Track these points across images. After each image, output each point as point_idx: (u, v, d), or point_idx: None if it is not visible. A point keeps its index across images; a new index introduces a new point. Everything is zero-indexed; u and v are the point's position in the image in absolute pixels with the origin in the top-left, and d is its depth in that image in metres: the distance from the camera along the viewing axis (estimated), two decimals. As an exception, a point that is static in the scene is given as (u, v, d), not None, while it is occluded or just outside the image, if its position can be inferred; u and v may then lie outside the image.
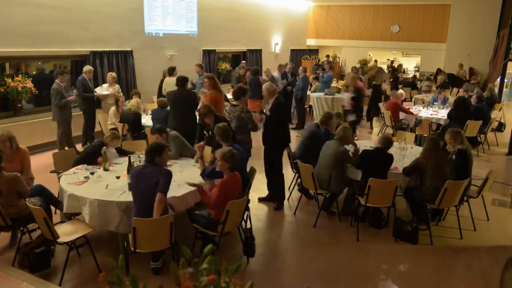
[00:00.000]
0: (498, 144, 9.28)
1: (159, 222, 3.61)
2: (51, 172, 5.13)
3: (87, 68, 8.02)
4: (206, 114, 5.27)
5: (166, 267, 3.94)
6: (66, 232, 3.91)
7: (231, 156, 3.99)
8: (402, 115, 8.89)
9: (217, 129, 4.61)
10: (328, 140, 5.42)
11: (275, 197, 5.65)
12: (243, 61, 12.01)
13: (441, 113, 8.94)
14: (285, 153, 5.68)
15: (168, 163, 5.02)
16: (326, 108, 9.93)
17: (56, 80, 7.29)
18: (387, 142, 4.94)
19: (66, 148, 7.46)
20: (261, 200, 5.75)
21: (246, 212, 4.59)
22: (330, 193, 5.16)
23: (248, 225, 4.73)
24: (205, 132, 5.73)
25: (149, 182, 3.74)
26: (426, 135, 8.04)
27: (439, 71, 14.43)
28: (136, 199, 3.81)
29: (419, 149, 6.16)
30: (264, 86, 5.70)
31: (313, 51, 18.87)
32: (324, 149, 5.20)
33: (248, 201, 4.49)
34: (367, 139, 8.52)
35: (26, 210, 3.98)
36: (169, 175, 3.83)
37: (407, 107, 9.19)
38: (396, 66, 16.73)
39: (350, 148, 5.34)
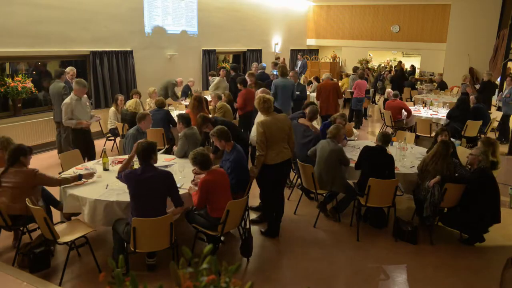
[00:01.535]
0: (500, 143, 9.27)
1: (159, 222, 3.60)
2: (59, 174, 5.04)
3: (68, 68, 7.58)
4: (203, 125, 5.12)
5: (163, 264, 3.94)
6: (66, 232, 3.91)
7: (193, 159, 4.00)
8: (403, 115, 8.89)
9: (215, 131, 4.49)
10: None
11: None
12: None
13: (441, 113, 8.95)
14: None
15: (169, 163, 5.04)
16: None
17: (67, 79, 7.28)
18: (385, 137, 4.93)
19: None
20: (252, 208, 5.21)
21: (246, 212, 4.58)
22: (330, 193, 5.16)
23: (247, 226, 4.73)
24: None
25: (162, 186, 3.69)
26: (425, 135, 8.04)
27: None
28: (140, 203, 3.65)
29: (419, 149, 6.17)
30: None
31: (313, 51, 18.88)
32: (319, 149, 5.15)
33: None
34: (366, 139, 8.51)
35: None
36: (174, 180, 3.83)
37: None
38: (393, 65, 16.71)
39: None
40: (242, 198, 4.11)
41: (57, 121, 7.31)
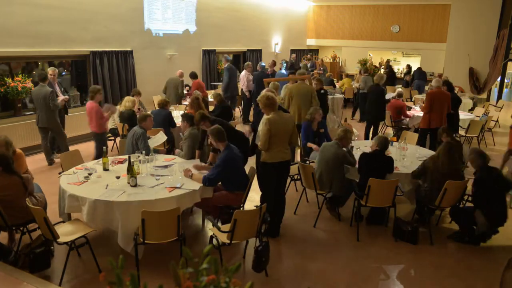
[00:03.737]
0: (498, 143, 9.29)
1: (167, 215, 3.66)
2: (59, 174, 5.01)
3: (50, 69, 7.28)
4: (200, 121, 5.16)
5: (164, 264, 3.93)
6: (66, 232, 3.91)
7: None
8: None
9: (211, 131, 4.50)
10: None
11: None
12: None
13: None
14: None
15: (169, 163, 5.04)
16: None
17: (51, 83, 7.04)
18: (383, 142, 4.92)
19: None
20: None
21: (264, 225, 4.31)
22: (334, 195, 5.15)
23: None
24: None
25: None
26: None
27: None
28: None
29: (419, 149, 6.17)
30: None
31: (313, 51, 18.87)
32: (322, 151, 5.15)
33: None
34: (366, 139, 8.51)
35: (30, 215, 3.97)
36: None
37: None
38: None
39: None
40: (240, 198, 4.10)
41: (41, 126, 6.97)
